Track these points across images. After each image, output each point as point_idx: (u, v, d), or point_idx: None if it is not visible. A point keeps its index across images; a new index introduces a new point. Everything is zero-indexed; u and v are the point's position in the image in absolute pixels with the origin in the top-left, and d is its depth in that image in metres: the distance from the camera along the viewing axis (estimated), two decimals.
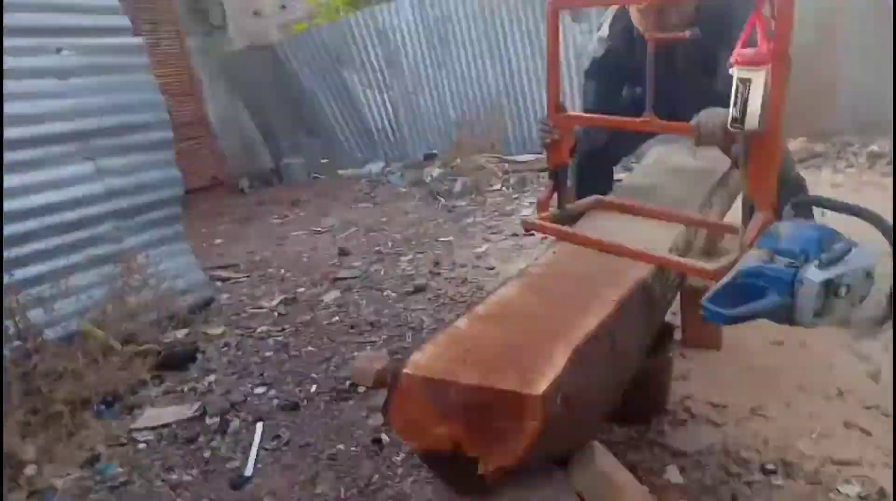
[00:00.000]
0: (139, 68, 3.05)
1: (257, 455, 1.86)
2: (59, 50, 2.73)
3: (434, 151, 6.99)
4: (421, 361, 1.28)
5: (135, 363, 2.45)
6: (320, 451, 1.85)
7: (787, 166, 2.10)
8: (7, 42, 2.52)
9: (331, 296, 3.13)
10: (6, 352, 2.10)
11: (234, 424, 2.05)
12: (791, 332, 2.13)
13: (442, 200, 5.06)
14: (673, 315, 2.11)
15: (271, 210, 5.95)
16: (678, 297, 2.09)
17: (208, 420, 2.08)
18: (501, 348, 1.30)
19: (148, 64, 3.12)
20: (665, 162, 2.59)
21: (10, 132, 2.50)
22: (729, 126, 1.45)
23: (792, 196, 1.57)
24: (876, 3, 5.41)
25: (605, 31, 2.23)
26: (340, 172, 7.48)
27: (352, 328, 2.70)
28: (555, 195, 1.94)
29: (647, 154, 2.84)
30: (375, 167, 7.18)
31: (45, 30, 2.68)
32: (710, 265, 1.53)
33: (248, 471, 1.79)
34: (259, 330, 2.81)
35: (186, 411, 2.15)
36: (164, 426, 2.08)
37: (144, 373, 2.44)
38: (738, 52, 1.41)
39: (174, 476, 1.81)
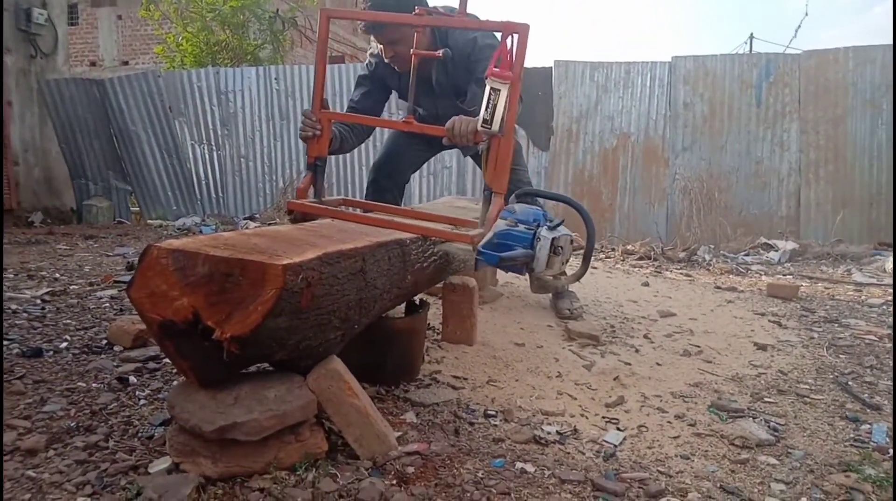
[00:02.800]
0: None
1: None
2: None
3: (256, 214, 7.01)
4: (174, 243, 1.34)
5: None
6: (57, 385, 1.75)
7: (522, 168, 2.68)
8: None
9: (107, 293, 2.98)
10: None
11: None
12: (530, 337, 2.47)
13: None
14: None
15: (60, 240, 5.50)
16: (441, 302, 2.36)
17: None
18: (259, 247, 1.42)
19: None
20: (450, 202, 2.95)
21: None
22: (479, 127, 1.81)
23: (518, 188, 2.01)
24: (646, 147, 6.66)
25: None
26: (150, 221, 7.16)
27: (121, 311, 2.59)
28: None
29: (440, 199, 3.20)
30: (189, 221, 6.98)
31: None
32: (468, 232, 1.82)
33: None
34: (13, 308, 2.59)
35: None
36: None
37: None
38: (492, 69, 1.80)
39: None
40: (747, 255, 5.44)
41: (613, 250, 5.23)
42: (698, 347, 2.52)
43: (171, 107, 7.26)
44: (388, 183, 2.89)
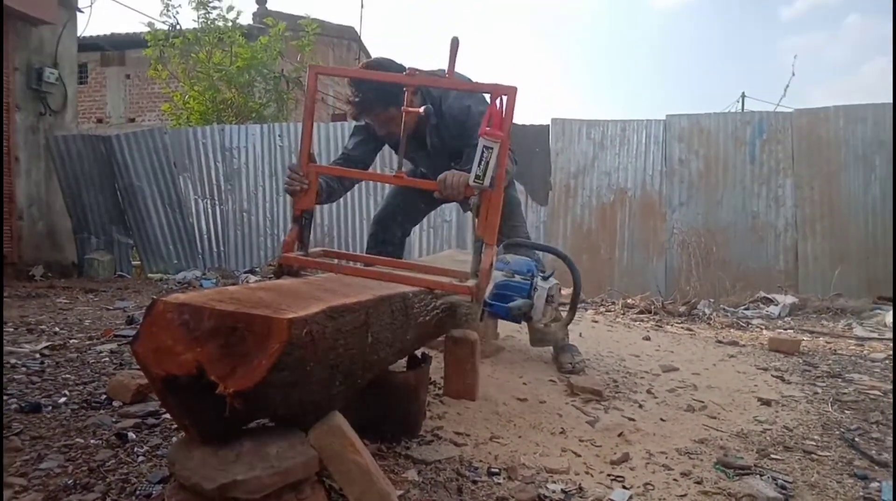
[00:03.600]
0: None
1: None
2: None
3: (256, 268, 7.03)
4: (180, 297, 1.36)
5: None
6: (54, 441, 1.73)
7: (521, 225, 2.78)
8: None
9: (106, 347, 2.96)
10: None
11: None
12: (533, 392, 2.45)
13: None
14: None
15: (61, 293, 5.51)
16: (443, 356, 2.35)
17: None
18: (264, 300, 1.43)
19: None
20: (452, 255, 2.98)
21: None
22: (472, 182, 1.87)
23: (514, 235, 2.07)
24: (644, 202, 6.75)
25: None
26: (151, 274, 7.18)
27: (121, 365, 2.58)
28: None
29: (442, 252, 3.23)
30: (190, 275, 7.00)
31: None
32: (465, 283, 1.84)
33: None
34: (12, 362, 2.57)
35: None
36: None
37: None
38: (484, 128, 1.87)
39: None
40: (747, 309, 5.45)
41: (614, 303, 5.24)
42: (702, 402, 2.49)
43: (176, 162, 7.39)
44: (388, 236, 2.93)
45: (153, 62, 9.80)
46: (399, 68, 2.39)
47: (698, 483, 1.76)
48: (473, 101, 2.47)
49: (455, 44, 2.08)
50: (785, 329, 4.65)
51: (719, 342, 3.92)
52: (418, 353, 2.19)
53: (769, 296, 5.76)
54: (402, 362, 2.18)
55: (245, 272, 6.89)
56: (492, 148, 1.85)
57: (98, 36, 11.97)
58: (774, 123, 6.72)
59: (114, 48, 13.17)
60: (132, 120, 13.45)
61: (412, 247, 7.00)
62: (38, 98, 7.40)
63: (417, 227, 7.02)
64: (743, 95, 16.37)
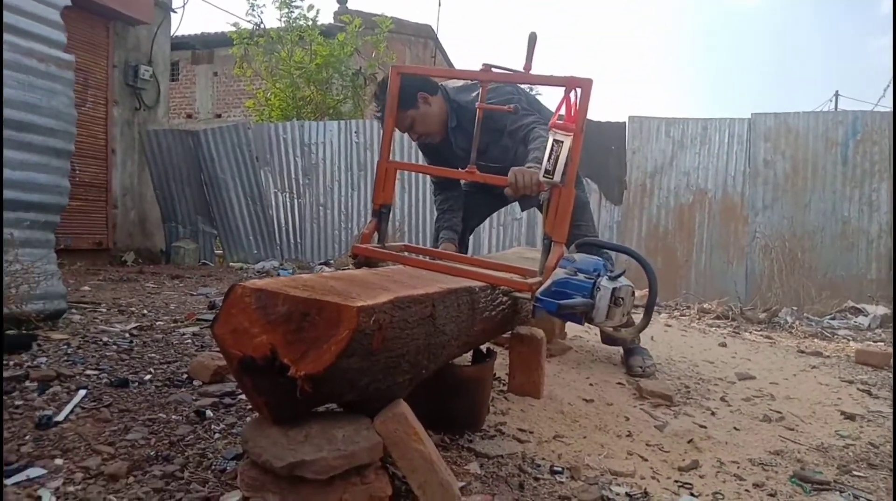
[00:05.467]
0: (62, 81, 3.20)
1: (72, 411, 1.82)
2: None
3: (331, 261, 7.22)
4: (257, 283, 1.42)
5: None
6: (140, 414, 1.84)
7: (586, 224, 2.77)
8: None
9: (189, 330, 3.12)
10: None
11: (56, 389, 1.99)
12: (599, 393, 2.41)
13: None
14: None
15: (149, 278, 5.83)
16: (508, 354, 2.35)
17: (28, 383, 2.01)
18: (335, 289, 1.47)
19: (72, 81, 3.28)
20: (520, 253, 2.97)
21: None
22: (541, 177, 1.84)
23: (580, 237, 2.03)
24: (724, 204, 6.50)
25: None
26: (232, 263, 7.50)
27: (202, 347, 2.71)
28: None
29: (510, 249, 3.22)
30: (268, 265, 7.27)
31: None
32: (525, 280, 1.83)
33: (59, 417, 1.75)
34: (104, 340, 2.75)
35: (5, 372, 2.07)
36: None
37: None
38: (555, 121, 1.84)
39: None
40: (833, 319, 5.15)
41: (689, 307, 5.07)
42: (779, 413, 2.38)
43: (258, 157, 7.69)
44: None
45: (238, 60, 10.21)
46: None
47: (772, 495, 1.69)
48: (492, 94, 2.42)
49: (533, 39, 2.08)
50: (875, 342, 4.36)
51: (801, 351, 3.73)
52: (483, 348, 2.20)
53: (858, 306, 5.42)
54: (467, 357, 2.20)
55: (320, 264, 7.09)
56: (562, 142, 1.82)
57: (189, 35, 12.57)
58: (870, 123, 6.31)
59: (203, 47, 13.81)
60: (218, 115, 14.08)
61: (480, 245, 7.01)
62: (133, 94, 7.86)
63: (486, 224, 7.03)
64: (836, 94, 15.45)
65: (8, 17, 2.95)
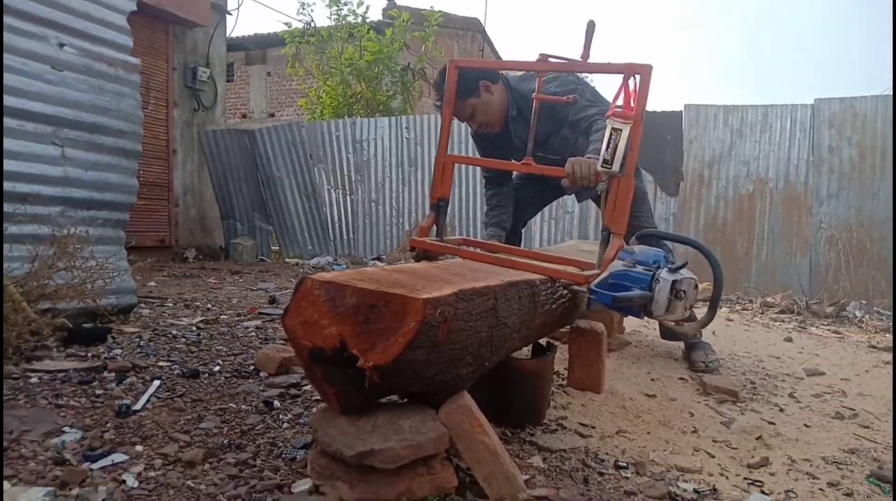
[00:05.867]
0: (129, 84, 3.33)
1: (149, 400, 1.90)
2: (62, 45, 3.01)
3: (383, 256, 7.30)
4: (326, 275, 1.45)
5: (43, 331, 2.47)
6: (212, 404, 1.91)
7: (645, 215, 2.67)
8: (20, 24, 2.80)
9: (252, 323, 3.22)
10: None
11: (132, 379, 2.08)
12: (661, 388, 2.37)
13: None
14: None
15: (211, 274, 6.02)
16: (567, 348, 2.34)
17: (106, 374, 2.11)
18: (401, 281, 1.49)
19: (139, 83, 3.41)
20: (576, 246, 2.94)
21: None
22: (599, 167, 1.82)
23: (638, 230, 2.00)
24: (787, 194, 6.28)
25: None
26: (287, 259, 7.67)
27: (266, 340, 2.78)
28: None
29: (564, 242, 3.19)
30: (323, 260, 7.40)
31: (57, 25, 2.96)
32: (582, 272, 1.81)
33: (137, 406, 1.83)
34: (173, 333, 2.86)
35: (85, 363, 2.17)
36: (60, 371, 2.09)
37: (51, 342, 2.47)
38: (614, 109, 1.82)
39: (61, 401, 1.83)
40: None
41: (751, 301, 4.92)
42: (853, 410, 2.29)
43: (312, 154, 7.83)
44: (510, 233, 2.91)
45: (290, 59, 10.41)
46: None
47: (848, 494, 1.63)
48: (555, 84, 2.39)
49: (591, 27, 2.05)
50: None
51: (872, 347, 3.57)
52: (543, 342, 2.19)
53: None
54: (527, 351, 2.19)
55: (373, 259, 7.18)
56: (621, 130, 1.79)
57: (243, 37, 12.88)
58: None
59: (257, 47, 14.14)
60: (272, 115, 14.40)
61: (532, 239, 6.96)
62: (192, 95, 8.11)
63: (539, 218, 6.98)
64: None
65: (78, 23, 3.08)
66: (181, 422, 1.75)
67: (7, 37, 2.77)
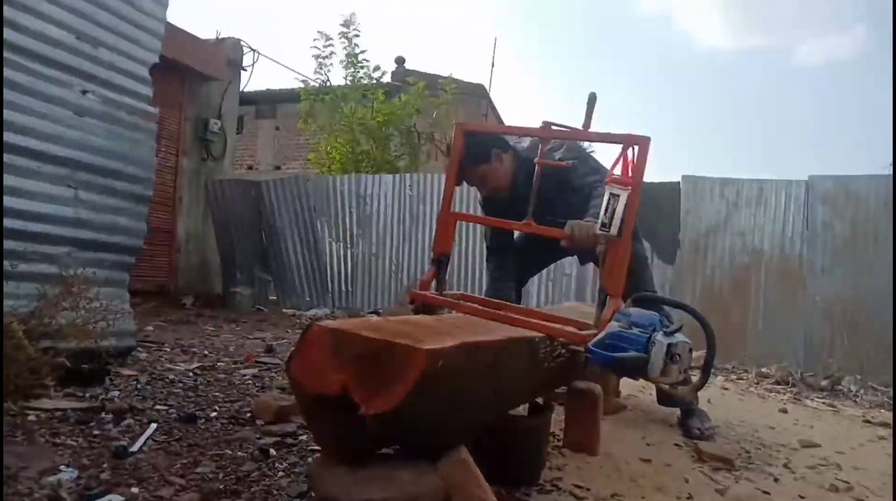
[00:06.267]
0: (145, 131, 3.46)
1: (145, 443, 1.90)
2: (84, 92, 3.13)
3: (380, 310, 7.31)
4: (332, 323, 1.49)
5: (42, 370, 2.48)
6: (208, 450, 1.91)
7: (647, 278, 2.70)
8: (46, 70, 2.93)
9: (249, 371, 3.22)
10: None
11: (129, 421, 2.09)
12: (657, 453, 2.37)
13: None
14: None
15: (208, 321, 6.02)
16: (563, 409, 2.35)
17: (104, 415, 2.12)
18: (404, 332, 1.53)
19: (155, 132, 3.54)
20: (576, 307, 2.98)
21: (16, 139, 2.79)
22: (598, 230, 1.89)
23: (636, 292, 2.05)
24: (782, 266, 6.36)
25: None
26: (285, 309, 7.68)
27: (262, 388, 2.79)
28: None
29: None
30: (320, 312, 7.41)
31: (82, 73, 3.09)
32: (579, 332, 1.86)
33: (134, 448, 1.83)
34: (170, 378, 2.87)
35: (83, 403, 2.18)
36: (58, 410, 2.10)
37: (49, 381, 2.47)
38: (612, 175, 1.90)
39: (58, 440, 1.83)
40: None
41: (746, 371, 4.92)
42: (847, 483, 2.29)
43: (315, 207, 7.95)
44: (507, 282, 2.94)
45: (303, 115, 10.67)
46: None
47: None
48: (560, 151, 2.48)
49: (592, 99, 2.16)
50: None
51: (867, 421, 3.57)
52: (540, 401, 2.21)
53: None
54: (524, 410, 2.20)
55: (369, 312, 7.18)
56: (619, 195, 1.87)
57: (255, 91, 13.23)
58: None
59: (267, 103, 14.51)
60: (278, 167, 14.64)
61: (530, 299, 6.98)
62: (202, 146, 8.30)
63: (537, 279, 7.03)
64: None
65: (102, 73, 3.20)
66: (177, 466, 1.75)
67: (33, 81, 2.89)
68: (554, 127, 2.20)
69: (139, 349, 3.57)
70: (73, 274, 2.86)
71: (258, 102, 14.19)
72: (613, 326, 1.76)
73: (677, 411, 2.86)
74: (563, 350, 1.98)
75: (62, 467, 1.64)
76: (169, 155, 7.72)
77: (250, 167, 15.01)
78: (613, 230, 1.87)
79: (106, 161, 3.21)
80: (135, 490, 1.56)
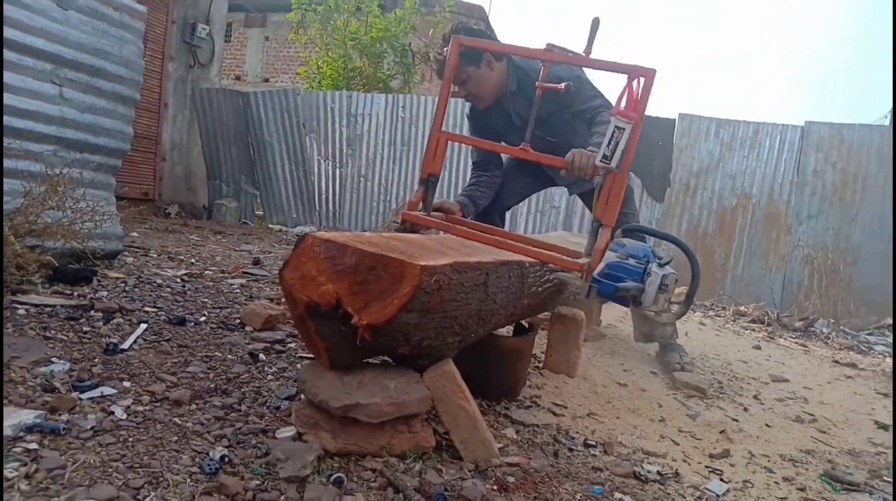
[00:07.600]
0: (133, 30, 3.31)
1: (136, 341, 1.92)
2: None
3: (366, 231, 7.31)
4: (327, 233, 1.49)
5: (29, 266, 2.47)
6: (198, 351, 1.94)
7: (632, 212, 2.72)
8: None
9: (237, 281, 3.23)
10: None
11: (118, 320, 2.10)
12: (633, 379, 2.45)
13: None
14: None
15: (193, 232, 5.99)
16: (547, 332, 2.40)
17: (93, 312, 2.13)
18: (398, 247, 1.54)
19: (142, 31, 3.39)
20: (564, 236, 3.00)
21: None
22: (598, 162, 1.87)
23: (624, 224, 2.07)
24: (769, 210, 6.42)
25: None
26: (271, 225, 7.65)
27: (251, 298, 2.81)
28: None
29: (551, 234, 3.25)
30: (307, 229, 7.39)
31: None
32: (577, 260, 1.87)
33: (125, 346, 1.85)
34: (158, 282, 2.87)
35: (71, 301, 2.19)
36: (47, 305, 2.10)
37: (36, 278, 2.47)
38: (618, 108, 1.87)
39: (49, 333, 1.84)
40: (871, 334, 5.08)
41: (724, 309, 5.06)
42: (812, 415, 2.40)
43: (305, 123, 7.78)
44: (491, 206, 2.89)
45: (294, 26, 10.28)
46: (484, 34, 2.53)
47: (801, 489, 1.72)
48: (561, 69, 2.40)
49: (595, 24, 2.09)
50: None
51: (836, 362, 3.70)
52: (525, 323, 2.25)
53: None
54: (509, 330, 2.25)
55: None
56: (624, 129, 1.85)
57: None
58: None
59: (257, 11, 13.94)
60: (266, 80, 14.23)
61: (517, 229, 7.02)
62: (189, 51, 8.00)
63: (524, 210, 7.05)
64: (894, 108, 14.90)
65: None
66: (168, 364, 1.78)
67: None
68: (557, 51, 2.14)
69: (125, 253, 3.56)
70: (59, 173, 2.81)
71: (247, 10, 13.63)
72: (611, 256, 1.78)
73: (656, 346, 2.94)
74: (551, 276, 2.00)
75: (54, 359, 1.65)
76: (154, 59, 7.44)
77: (238, 78, 14.57)
78: (614, 163, 1.85)
79: (91, 59, 3.08)
80: (126, 383, 1.59)
